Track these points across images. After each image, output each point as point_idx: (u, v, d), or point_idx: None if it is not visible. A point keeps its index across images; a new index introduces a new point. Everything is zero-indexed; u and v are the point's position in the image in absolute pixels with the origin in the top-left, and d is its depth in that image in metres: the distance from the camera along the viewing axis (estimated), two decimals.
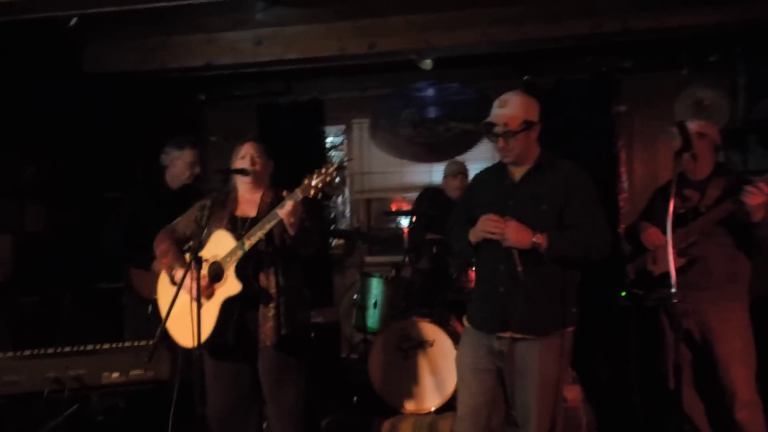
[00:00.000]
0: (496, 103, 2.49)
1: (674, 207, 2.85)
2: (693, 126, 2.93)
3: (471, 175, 4.44)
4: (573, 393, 3.59)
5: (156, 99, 5.35)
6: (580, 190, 2.44)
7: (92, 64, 4.71)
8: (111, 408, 3.29)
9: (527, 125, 2.43)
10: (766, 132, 4.59)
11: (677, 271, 2.79)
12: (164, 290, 2.87)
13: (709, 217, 2.80)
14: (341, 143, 5.77)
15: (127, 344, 3.16)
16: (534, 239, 2.32)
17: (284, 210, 2.45)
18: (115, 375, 2.98)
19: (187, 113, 5.72)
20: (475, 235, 2.47)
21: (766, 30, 4.39)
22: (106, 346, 3.11)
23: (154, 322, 3.61)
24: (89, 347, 3.06)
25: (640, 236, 3.00)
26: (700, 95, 4.95)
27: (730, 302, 2.89)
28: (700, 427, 3.06)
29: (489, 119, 2.46)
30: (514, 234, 2.33)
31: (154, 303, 3.62)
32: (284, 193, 2.57)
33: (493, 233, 2.36)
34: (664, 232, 2.80)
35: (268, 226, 2.55)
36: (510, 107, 2.43)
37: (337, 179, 2.51)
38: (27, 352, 3.00)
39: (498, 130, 2.43)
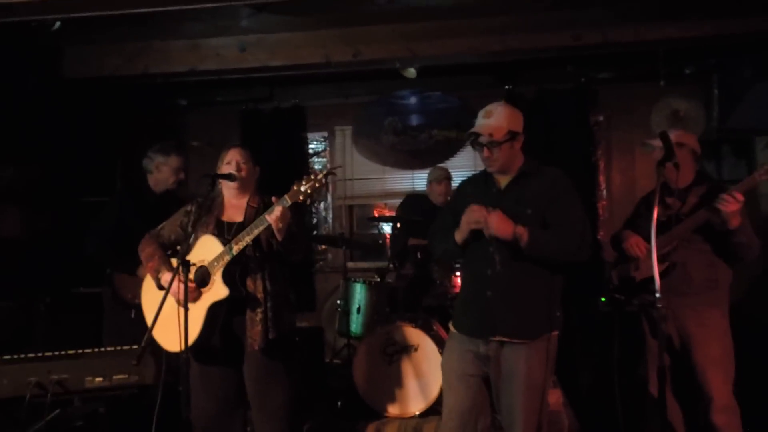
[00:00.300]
0: (481, 113, 2.52)
1: (657, 215, 2.96)
2: (672, 136, 3.01)
3: (455, 182, 4.53)
4: (554, 397, 3.64)
5: (137, 103, 5.33)
6: (564, 194, 2.49)
7: (73, 68, 4.67)
8: (91, 413, 3.26)
9: (512, 135, 2.47)
10: (738, 142, 4.72)
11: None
12: (149, 294, 2.86)
13: (687, 224, 2.87)
14: (324, 150, 5.79)
15: (110, 349, 3.13)
16: (516, 230, 2.35)
17: (273, 215, 2.46)
18: (99, 379, 2.94)
19: (168, 118, 5.70)
20: (460, 232, 2.49)
21: (740, 44, 4.54)
22: (89, 350, 3.07)
23: (136, 327, 3.60)
24: (71, 352, 3.03)
25: (623, 245, 3.06)
26: (676, 106, 5.08)
27: (709, 308, 2.93)
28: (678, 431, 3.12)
29: (474, 129, 2.49)
30: (497, 222, 2.36)
31: (138, 308, 3.61)
32: (273, 198, 2.59)
33: (477, 222, 2.39)
34: (648, 240, 2.88)
35: (256, 231, 2.55)
36: (495, 118, 2.47)
37: (321, 187, 2.53)
38: (8, 357, 2.95)
39: (483, 140, 2.46)
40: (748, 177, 2.79)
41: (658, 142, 2.96)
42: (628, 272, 3.09)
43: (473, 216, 2.41)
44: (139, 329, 3.55)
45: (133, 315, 3.60)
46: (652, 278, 2.77)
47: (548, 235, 2.39)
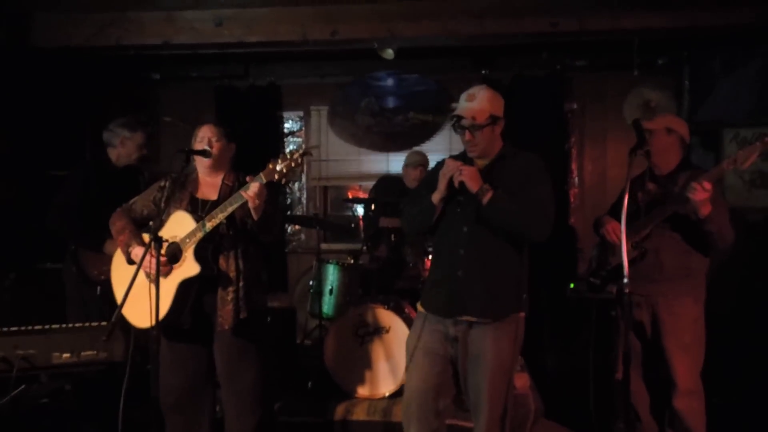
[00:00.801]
0: (464, 96, 2.54)
1: (639, 200, 2.99)
2: (665, 120, 3.05)
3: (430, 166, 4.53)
4: (522, 380, 3.70)
5: (108, 76, 5.21)
6: (535, 173, 2.53)
7: (42, 36, 4.53)
8: (57, 390, 3.21)
9: (493, 120, 2.50)
10: (707, 134, 4.81)
11: (630, 262, 2.94)
12: (119, 270, 2.81)
13: (658, 212, 2.92)
14: (299, 129, 5.74)
15: (78, 324, 3.09)
16: (484, 185, 2.41)
17: (250, 192, 2.44)
18: (66, 355, 2.92)
19: (140, 92, 5.59)
20: (438, 191, 2.51)
21: (711, 37, 4.62)
22: (56, 326, 3.03)
23: (101, 303, 3.55)
24: (39, 327, 2.98)
25: (600, 230, 3.10)
26: (648, 96, 5.16)
27: (681, 296, 2.97)
28: (642, 416, 3.18)
29: (457, 112, 2.51)
30: (469, 173, 2.43)
31: (104, 284, 3.56)
32: (248, 177, 2.56)
33: (452, 173, 2.44)
34: (628, 225, 2.93)
35: (230, 209, 2.53)
36: (478, 101, 2.49)
37: (298, 167, 2.51)
38: None
39: (465, 122, 2.49)
40: (715, 167, 2.85)
41: (655, 124, 3.00)
42: (607, 257, 3.13)
43: (449, 167, 2.47)
44: (105, 305, 3.54)
45: (98, 291, 3.57)
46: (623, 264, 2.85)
47: (511, 202, 2.43)
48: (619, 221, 2.93)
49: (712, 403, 3.04)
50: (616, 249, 3.06)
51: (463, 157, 2.63)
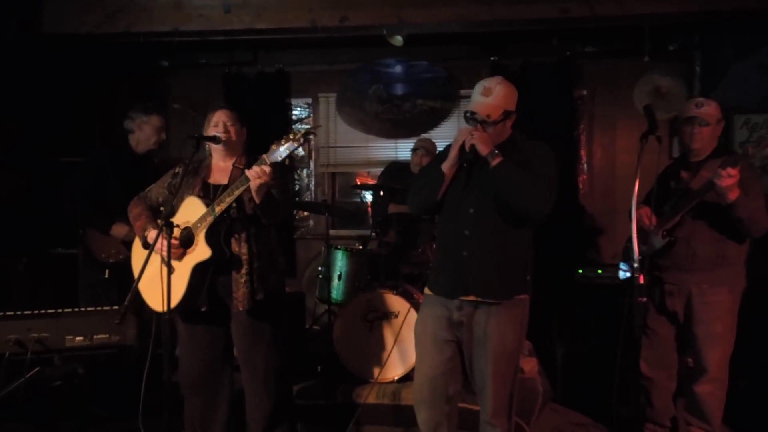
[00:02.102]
0: (478, 89, 2.52)
1: (672, 188, 2.95)
2: (715, 111, 2.99)
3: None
4: (530, 364, 3.73)
5: (118, 63, 5.22)
6: (541, 157, 2.54)
7: (52, 24, 4.55)
8: (70, 373, 3.27)
9: (506, 115, 2.51)
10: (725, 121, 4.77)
11: (660, 251, 2.92)
12: (138, 254, 2.85)
13: (690, 199, 2.88)
14: (308, 116, 5.74)
15: (90, 308, 3.13)
16: (495, 150, 2.42)
17: (251, 172, 2.44)
18: (79, 339, 2.96)
19: (149, 79, 5.59)
20: (449, 159, 2.52)
21: (722, 22, 4.58)
22: (69, 309, 3.07)
23: (112, 286, 3.60)
24: (52, 311, 3.02)
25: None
26: (659, 82, 5.13)
27: (715, 285, 2.93)
28: (656, 404, 3.16)
29: (472, 108, 2.50)
30: (480, 137, 2.43)
31: (111, 267, 3.61)
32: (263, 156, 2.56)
33: (464, 139, 2.44)
34: (658, 213, 2.91)
35: (237, 192, 2.54)
36: (493, 97, 2.48)
37: (302, 148, 2.52)
38: None
39: (478, 117, 2.48)
40: (741, 151, 2.83)
41: (707, 110, 2.94)
42: (641, 246, 3.10)
43: (461, 134, 2.47)
44: (113, 289, 3.58)
45: (107, 275, 3.61)
46: (657, 252, 2.84)
47: (518, 171, 2.43)
48: (653, 209, 2.93)
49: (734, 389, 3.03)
50: (648, 236, 3.02)
51: None
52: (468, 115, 2.53)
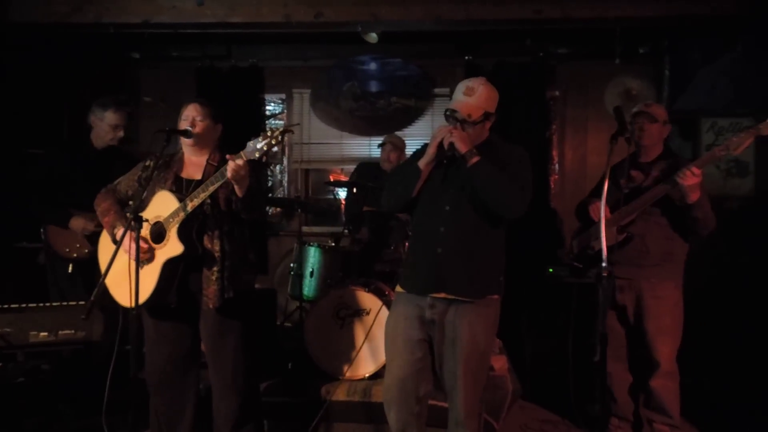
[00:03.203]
0: (461, 89, 2.53)
1: (621, 186, 3.05)
2: (661, 111, 3.11)
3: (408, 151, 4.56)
4: (500, 362, 3.76)
5: (87, 54, 5.12)
6: (517, 159, 2.56)
7: (19, 12, 4.42)
8: (33, 369, 3.20)
9: (486, 116, 2.52)
10: (686, 122, 4.87)
11: (615, 247, 2.99)
12: (106, 249, 2.79)
13: (646, 197, 2.97)
14: (281, 112, 5.71)
15: (56, 303, 3.07)
16: (473, 149, 2.43)
17: (230, 168, 2.42)
18: (44, 334, 2.90)
19: (120, 71, 5.50)
20: (426, 155, 2.51)
21: (691, 26, 4.66)
22: (33, 304, 3.00)
23: (77, 282, 3.53)
24: (15, 305, 2.95)
25: (589, 209, 3.14)
26: (629, 85, 5.22)
27: (664, 280, 3.06)
28: (618, 397, 3.26)
29: (453, 106, 2.51)
30: (459, 135, 2.44)
31: (74, 262, 3.53)
32: (227, 156, 2.54)
33: (443, 136, 2.45)
34: (612, 210, 2.98)
35: (211, 188, 2.52)
36: (475, 98, 2.49)
37: (278, 144, 2.50)
38: None
39: (458, 116, 2.49)
40: (707, 153, 2.90)
41: (655, 109, 3.03)
42: (588, 242, 3.18)
43: (440, 131, 2.47)
44: (79, 284, 3.51)
45: (70, 269, 3.54)
46: (610, 247, 2.89)
47: (495, 171, 2.44)
48: (606, 204, 2.97)
49: (684, 384, 3.13)
50: (598, 233, 3.09)
51: None
52: (448, 113, 2.53)
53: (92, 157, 3.60)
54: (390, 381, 2.64)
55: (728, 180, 4.67)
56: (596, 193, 3.29)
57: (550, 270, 4.27)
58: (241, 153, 2.44)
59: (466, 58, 5.28)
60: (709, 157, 2.86)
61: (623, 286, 3.10)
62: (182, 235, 2.55)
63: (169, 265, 2.57)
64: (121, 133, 3.62)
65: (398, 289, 2.68)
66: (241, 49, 5.48)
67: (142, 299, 2.43)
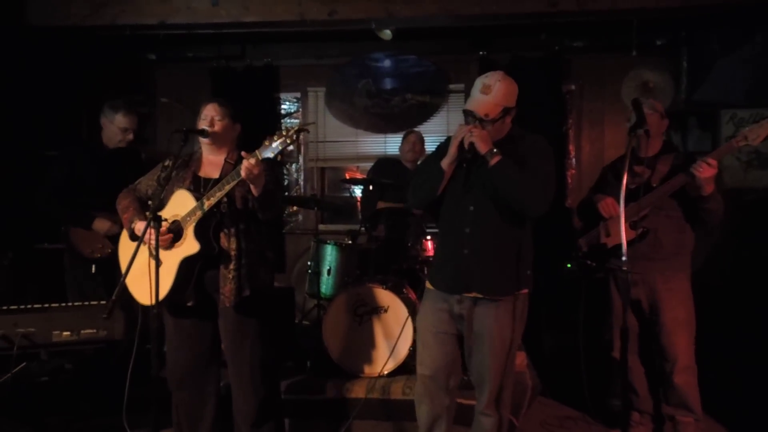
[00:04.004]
0: (478, 86, 2.49)
1: (626, 182, 3.03)
2: (658, 106, 3.08)
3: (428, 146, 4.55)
4: (519, 358, 3.75)
5: (104, 56, 5.17)
6: (539, 151, 2.54)
7: (38, 15, 4.49)
8: (56, 369, 3.24)
9: (506, 112, 2.49)
10: (704, 114, 4.82)
11: (629, 243, 2.96)
12: (125, 247, 2.82)
13: (663, 190, 2.94)
14: (296, 111, 5.72)
15: (77, 303, 3.11)
16: (493, 148, 2.41)
17: (244, 166, 2.42)
18: (66, 334, 2.93)
19: (136, 72, 5.55)
20: (448, 155, 2.50)
21: (709, 17, 4.60)
22: (56, 304, 3.04)
23: (99, 281, 3.57)
24: (38, 305, 2.99)
25: (597, 206, 3.12)
26: (646, 77, 5.15)
27: (677, 272, 3.06)
28: (640, 392, 3.24)
29: (470, 107, 2.48)
30: (479, 134, 2.42)
31: (97, 262, 3.57)
32: (243, 153, 2.55)
33: (463, 135, 2.44)
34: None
35: (227, 187, 2.53)
36: (493, 95, 2.45)
37: (294, 144, 2.50)
38: None
39: (477, 116, 2.46)
40: (726, 143, 2.87)
41: (652, 102, 2.99)
42: (598, 239, 3.17)
43: (460, 130, 2.46)
44: (100, 284, 3.55)
45: (93, 270, 3.57)
46: (628, 243, 2.87)
47: (516, 170, 2.42)
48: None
49: (704, 378, 3.10)
50: (610, 230, 3.09)
51: None
52: (467, 113, 2.51)
53: (104, 158, 3.64)
54: (421, 375, 2.66)
55: (749, 172, 4.60)
56: (597, 190, 3.27)
57: (569, 265, 4.25)
58: (256, 152, 2.45)
59: (481, 53, 5.25)
60: (727, 148, 2.83)
61: (636, 280, 3.07)
62: (199, 233, 2.57)
63: (186, 263, 2.58)
64: (130, 136, 3.65)
65: (428, 286, 2.70)
66: (256, 49, 5.50)
67: (160, 297, 2.44)
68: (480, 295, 2.49)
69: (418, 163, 4.55)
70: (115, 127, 3.61)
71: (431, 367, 2.61)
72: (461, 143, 2.45)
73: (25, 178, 4.41)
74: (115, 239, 3.39)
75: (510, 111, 2.51)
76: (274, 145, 2.43)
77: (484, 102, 2.45)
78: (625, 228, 2.86)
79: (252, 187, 2.50)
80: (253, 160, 2.41)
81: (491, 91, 2.45)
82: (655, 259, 3.03)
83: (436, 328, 2.60)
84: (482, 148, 2.42)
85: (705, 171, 2.74)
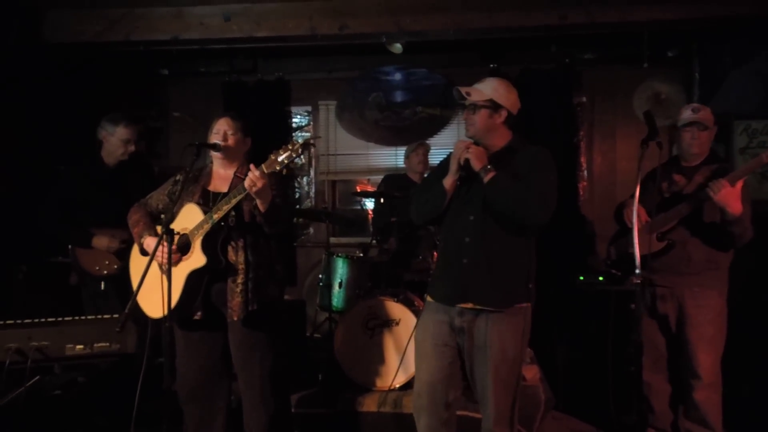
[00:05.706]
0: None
1: (662, 191, 2.99)
2: (709, 116, 3.01)
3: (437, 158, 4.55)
4: (531, 372, 3.71)
5: (118, 72, 5.23)
6: (540, 161, 2.53)
7: (53, 33, 4.57)
8: (70, 382, 3.24)
9: (492, 105, 2.52)
10: (718, 126, 4.77)
11: (656, 254, 2.92)
12: (136, 262, 2.84)
13: (680, 208, 2.90)
14: (307, 124, 5.75)
15: (90, 317, 3.11)
16: (488, 165, 2.44)
17: (247, 180, 2.43)
18: (80, 347, 2.93)
19: (149, 87, 5.61)
20: (450, 173, 2.53)
21: (721, 28, 4.59)
22: (69, 318, 3.05)
23: (111, 298, 3.57)
24: (52, 319, 3.00)
25: (624, 212, 3.08)
26: (658, 89, 5.15)
27: (707, 289, 2.96)
28: (657, 408, 3.17)
29: (463, 89, 2.55)
30: (475, 152, 2.47)
31: (106, 279, 3.57)
32: (251, 166, 2.56)
33: (462, 151, 2.48)
34: (650, 214, 2.92)
35: (234, 200, 2.54)
36: (483, 85, 2.56)
37: (302, 156, 2.51)
38: None
39: (461, 92, 2.53)
40: (753, 159, 2.81)
41: (704, 114, 2.95)
42: (626, 248, 3.10)
43: (458, 147, 2.51)
44: (113, 299, 3.55)
45: (102, 287, 3.56)
46: (648, 255, 2.81)
47: (512, 184, 2.43)
48: (644, 208, 2.91)
49: (725, 393, 3.04)
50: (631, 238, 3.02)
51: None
52: (455, 94, 2.57)
53: (105, 174, 3.60)
54: (419, 387, 2.63)
55: (763, 183, 4.56)
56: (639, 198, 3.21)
57: (581, 278, 4.23)
58: (262, 165, 2.46)
59: (491, 66, 5.26)
60: (755, 163, 2.77)
61: (665, 294, 3.02)
62: (206, 247, 2.58)
63: (193, 276, 2.59)
64: (132, 148, 3.61)
65: (427, 298, 2.68)
66: (267, 63, 5.55)
67: (166, 311, 2.44)
68: (477, 306, 2.47)
69: (425, 176, 4.56)
70: (117, 140, 3.57)
71: (428, 381, 2.58)
72: (458, 161, 2.50)
73: (39, 193, 4.46)
74: (121, 255, 3.40)
75: (498, 109, 2.52)
76: (280, 158, 2.44)
77: (473, 87, 2.55)
78: (652, 239, 2.84)
79: (258, 201, 2.50)
80: (257, 173, 2.42)
81: (483, 82, 2.57)
82: (683, 273, 2.95)
83: (435, 339, 2.57)
84: (476, 165, 2.46)
85: (717, 193, 2.70)
